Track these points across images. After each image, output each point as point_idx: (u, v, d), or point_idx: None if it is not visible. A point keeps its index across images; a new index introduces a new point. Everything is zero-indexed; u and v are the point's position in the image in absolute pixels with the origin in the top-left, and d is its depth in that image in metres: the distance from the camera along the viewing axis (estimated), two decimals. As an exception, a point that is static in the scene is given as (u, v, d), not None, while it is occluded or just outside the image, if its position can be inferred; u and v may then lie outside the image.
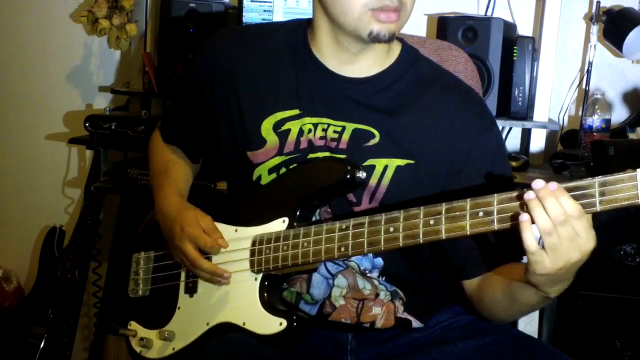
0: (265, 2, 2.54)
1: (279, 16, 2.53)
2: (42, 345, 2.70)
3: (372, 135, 1.44)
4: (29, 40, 3.09)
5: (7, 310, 3.01)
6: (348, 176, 1.38)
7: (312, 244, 1.37)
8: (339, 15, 1.37)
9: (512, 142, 2.73)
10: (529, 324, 2.25)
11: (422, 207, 1.27)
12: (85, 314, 3.05)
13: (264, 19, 2.54)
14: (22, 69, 3.12)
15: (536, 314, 2.39)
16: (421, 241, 1.26)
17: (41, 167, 3.17)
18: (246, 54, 1.51)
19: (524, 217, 1.13)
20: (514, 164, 2.39)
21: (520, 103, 2.44)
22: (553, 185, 1.12)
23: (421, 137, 1.44)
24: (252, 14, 2.55)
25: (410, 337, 1.50)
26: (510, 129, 2.67)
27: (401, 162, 1.43)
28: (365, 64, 1.45)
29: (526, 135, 2.67)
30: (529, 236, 1.14)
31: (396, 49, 1.50)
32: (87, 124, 2.56)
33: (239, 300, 1.45)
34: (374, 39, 1.37)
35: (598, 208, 1.12)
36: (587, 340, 2.22)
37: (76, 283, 2.77)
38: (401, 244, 1.28)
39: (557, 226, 1.11)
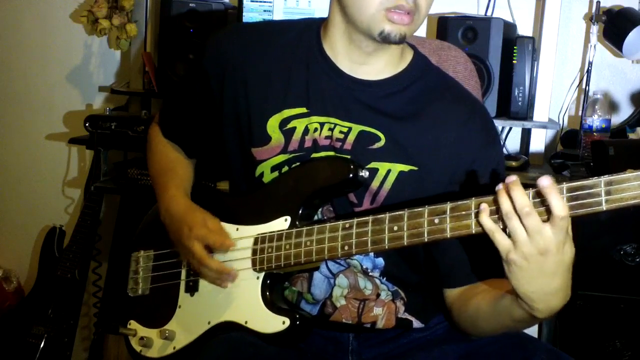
0: (265, 2, 2.54)
1: (278, 16, 2.53)
2: (42, 345, 2.69)
3: (378, 139, 1.45)
4: (29, 40, 3.09)
5: (7, 310, 3.02)
6: (351, 175, 1.38)
7: (315, 242, 1.37)
8: (354, 12, 1.38)
9: (512, 142, 2.73)
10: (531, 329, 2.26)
11: (426, 206, 1.27)
12: (86, 314, 3.05)
13: (264, 19, 2.53)
14: (22, 69, 3.12)
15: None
16: (426, 240, 1.26)
17: (41, 167, 3.17)
18: (257, 50, 1.51)
19: (499, 186, 1.15)
20: (513, 163, 2.39)
21: (520, 103, 2.45)
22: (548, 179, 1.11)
23: (427, 145, 1.45)
24: (252, 14, 2.55)
25: (411, 337, 1.50)
26: (510, 129, 2.67)
27: (404, 167, 1.44)
28: (377, 67, 1.45)
29: (526, 135, 2.67)
30: (484, 219, 1.16)
31: (408, 55, 1.51)
32: (87, 124, 2.56)
33: (240, 299, 1.44)
34: (385, 38, 1.37)
35: (604, 207, 1.12)
36: (587, 340, 2.22)
37: (76, 283, 2.77)
38: (405, 243, 1.28)
39: (522, 217, 1.12)
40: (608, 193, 1.12)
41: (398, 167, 1.43)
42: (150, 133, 1.73)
